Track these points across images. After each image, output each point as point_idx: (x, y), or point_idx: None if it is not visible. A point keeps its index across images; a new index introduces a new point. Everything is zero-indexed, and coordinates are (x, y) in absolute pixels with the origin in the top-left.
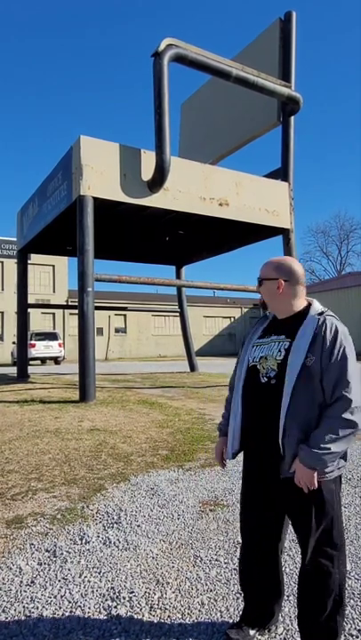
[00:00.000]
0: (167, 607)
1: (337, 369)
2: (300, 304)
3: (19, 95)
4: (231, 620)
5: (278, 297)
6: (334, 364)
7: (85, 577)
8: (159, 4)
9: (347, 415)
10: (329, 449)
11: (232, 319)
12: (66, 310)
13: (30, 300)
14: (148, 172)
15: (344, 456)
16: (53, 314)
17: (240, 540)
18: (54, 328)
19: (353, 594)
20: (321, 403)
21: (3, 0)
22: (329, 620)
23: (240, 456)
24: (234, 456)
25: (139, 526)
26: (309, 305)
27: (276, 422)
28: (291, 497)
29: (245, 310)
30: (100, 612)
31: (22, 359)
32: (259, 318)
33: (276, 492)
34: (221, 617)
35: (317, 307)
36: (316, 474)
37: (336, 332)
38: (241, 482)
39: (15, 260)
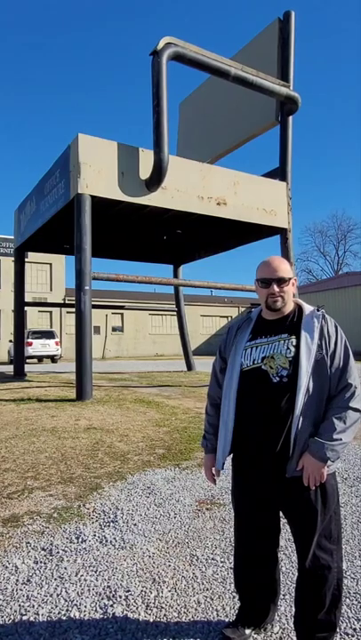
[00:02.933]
0: (163, 606)
1: (341, 359)
2: (293, 303)
3: (17, 94)
4: (227, 619)
5: (291, 295)
6: (339, 355)
7: (82, 576)
8: (158, 4)
9: (353, 403)
10: (341, 439)
11: (229, 318)
12: (63, 309)
13: (27, 298)
14: (146, 170)
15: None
16: (50, 312)
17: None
18: (51, 326)
19: (349, 593)
20: (327, 396)
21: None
22: (328, 614)
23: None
24: (224, 465)
25: (135, 525)
26: (297, 304)
27: (286, 421)
28: (294, 496)
29: (243, 309)
30: (96, 610)
31: (19, 357)
32: (239, 321)
33: (277, 493)
34: (218, 616)
35: (308, 305)
36: (325, 466)
37: (335, 325)
38: (233, 483)
39: (12, 259)
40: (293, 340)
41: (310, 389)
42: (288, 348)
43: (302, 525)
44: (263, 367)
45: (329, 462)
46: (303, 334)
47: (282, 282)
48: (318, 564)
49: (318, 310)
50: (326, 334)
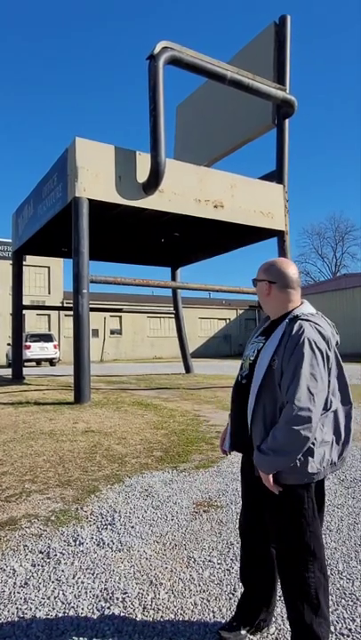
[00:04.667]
0: (160, 608)
1: (291, 373)
2: (291, 307)
3: (17, 94)
4: (223, 620)
5: (266, 299)
6: (290, 368)
7: (79, 578)
8: (158, 4)
9: (289, 422)
10: (270, 455)
11: (227, 321)
12: (61, 312)
13: (25, 301)
14: (143, 174)
15: (306, 466)
16: (48, 315)
17: (233, 541)
18: (49, 329)
19: (344, 593)
20: (282, 405)
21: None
22: (310, 623)
23: (234, 456)
24: (229, 451)
25: (133, 527)
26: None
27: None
28: (262, 496)
29: (241, 312)
30: (93, 612)
31: (17, 361)
32: (264, 318)
33: (258, 491)
34: (214, 617)
35: (300, 310)
36: (270, 476)
37: (300, 335)
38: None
39: (10, 262)
40: (260, 345)
41: (263, 394)
42: (254, 352)
43: (270, 528)
44: (243, 366)
45: (275, 472)
46: (268, 340)
47: (254, 283)
48: (292, 574)
49: (294, 318)
50: (284, 344)
